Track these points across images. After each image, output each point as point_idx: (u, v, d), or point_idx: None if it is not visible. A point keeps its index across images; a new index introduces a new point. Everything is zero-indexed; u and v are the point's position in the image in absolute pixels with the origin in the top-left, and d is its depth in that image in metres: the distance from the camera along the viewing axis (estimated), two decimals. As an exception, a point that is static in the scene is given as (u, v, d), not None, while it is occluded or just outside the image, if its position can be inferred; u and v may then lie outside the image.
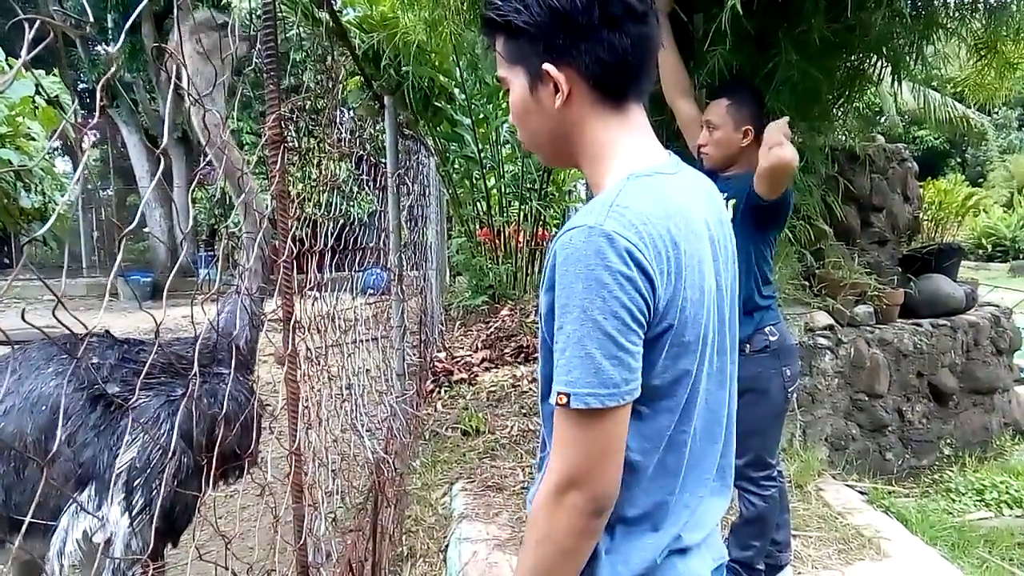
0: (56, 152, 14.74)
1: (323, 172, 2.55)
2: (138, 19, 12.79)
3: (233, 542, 1.41)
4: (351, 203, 3.14)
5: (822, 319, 4.50)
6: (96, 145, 17.11)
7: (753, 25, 2.95)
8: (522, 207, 9.21)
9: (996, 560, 3.36)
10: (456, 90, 7.87)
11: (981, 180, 22.00)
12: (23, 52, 0.76)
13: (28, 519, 1.52)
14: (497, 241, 9.01)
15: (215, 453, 1.44)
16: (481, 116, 8.42)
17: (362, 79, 5.24)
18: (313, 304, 2.16)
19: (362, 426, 2.84)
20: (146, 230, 14.53)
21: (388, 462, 2.90)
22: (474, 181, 9.12)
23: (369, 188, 3.68)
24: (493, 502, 3.55)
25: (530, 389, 5.36)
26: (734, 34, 2.72)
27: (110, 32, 13.78)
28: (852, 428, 4.55)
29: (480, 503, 3.54)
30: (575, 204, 10.23)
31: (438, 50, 6.40)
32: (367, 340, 3.40)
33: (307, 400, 2.00)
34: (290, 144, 1.96)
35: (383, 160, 3.93)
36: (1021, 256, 17.87)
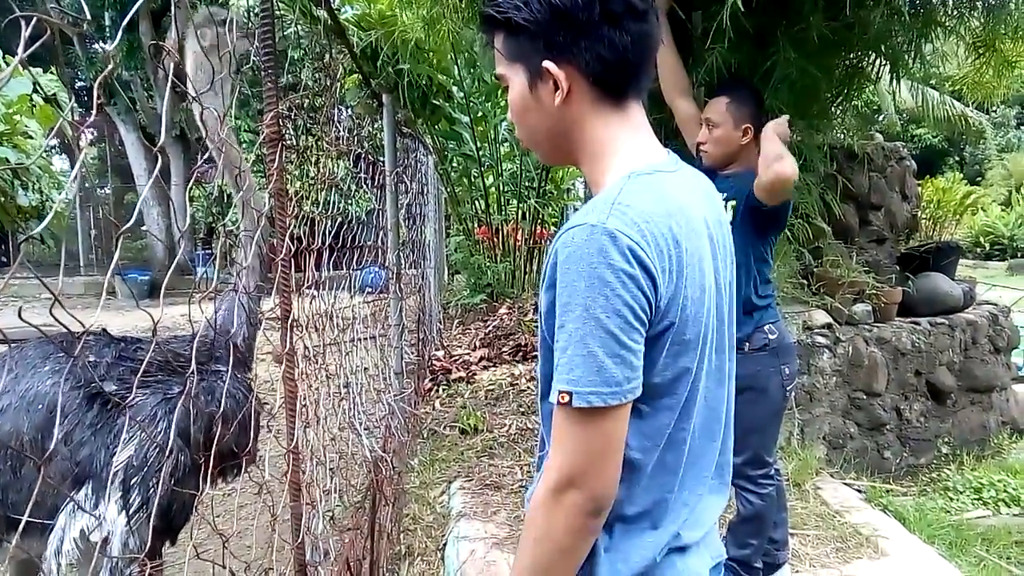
0: (53, 150, 14.72)
1: (321, 170, 2.55)
2: (135, 17, 12.77)
3: (231, 540, 1.40)
4: (349, 201, 3.13)
5: (820, 317, 4.51)
6: (94, 143, 17.10)
7: (752, 23, 2.95)
8: (520, 205, 9.21)
9: (993, 558, 3.36)
10: (454, 88, 7.86)
11: (979, 178, 22.00)
12: (20, 49, 0.76)
13: (25, 518, 1.51)
14: (495, 239, 9.01)
15: (212, 451, 1.44)
16: (479, 114, 8.41)
17: (360, 77, 5.23)
18: (311, 302, 2.16)
19: (360, 424, 2.84)
20: (144, 228, 14.51)
21: (386, 460, 2.89)
22: (472, 179, 9.11)
23: (367, 186, 3.67)
24: (491, 500, 3.56)
25: (528, 387, 5.36)
26: (733, 32, 2.72)
27: (107, 30, 13.76)
28: (850, 427, 4.55)
29: (478, 501, 3.55)
30: (573, 202, 10.23)
31: (436, 48, 6.39)
32: (365, 338, 3.40)
33: (305, 398, 2.00)
34: (288, 142, 1.96)
35: (381, 158, 3.93)
36: (1019, 254, 17.88)
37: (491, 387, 5.48)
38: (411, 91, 6.59)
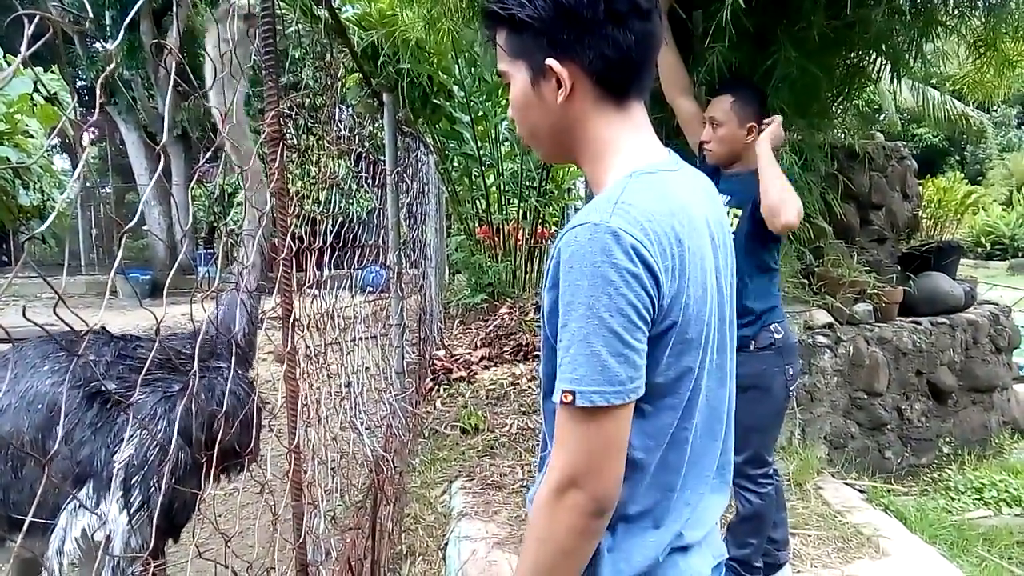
0: (55, 149, 14.72)
1: (322, 169, 2.55)
2: (136, 16, 12.77)
3: (232, 540, 1.40)
4: (350, 201, 3.13)
5: (821, 317, 4.51)
6: (95, 142, 17.08)
7: (752, 22, 2.94)
8: (521, 205, 9.21)
9: (995, 559, 3.36)
10: (455, 87, 7.86)
11: (980, 178, 21.99)
12: (22, 49, 0.76)
13: (28, 518, 1.51)
14: (496, 239, 9.01)
15: (215, 449, 1.44)
16: (480, 114, 8.41)
17: (361, 76, 5.23)
18: (312, 302, 2.16)
19: (361, 424, 2.84)
20: (145, 228, 14.51)
21: (387, 460, 2.89)
22: (473, 179, 9.12)
23: (368, 186, 3.67)
24: (492, 500, 3.56)
25: (529, 387, 5.35)
26: (733, 31, 2.72)
27: (108, 29, 13.77)
28: (851, 426, 4.55)
29: (479, 501, 3.54)
30: (574, 202, 10.23)
31: (437, 47, 6.39)
32: (366, 338, 3.40)
33: (306, 398, 2.00)
34: (289, 141, 1.95)
35: (382, 157, 3.93)
36: (1020, 254, 17.87)
37: (492, 387, 5.48)
38: (412, 90, 6.60)
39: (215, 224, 14.13)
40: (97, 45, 14.81)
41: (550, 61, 0.99)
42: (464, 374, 5.83)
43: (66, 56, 14.86)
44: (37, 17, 0.77)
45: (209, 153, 1.67)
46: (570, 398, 0.89)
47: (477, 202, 9.28)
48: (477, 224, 9.29)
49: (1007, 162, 22.15)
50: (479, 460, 4.13)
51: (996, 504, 4.17)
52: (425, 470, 4.07)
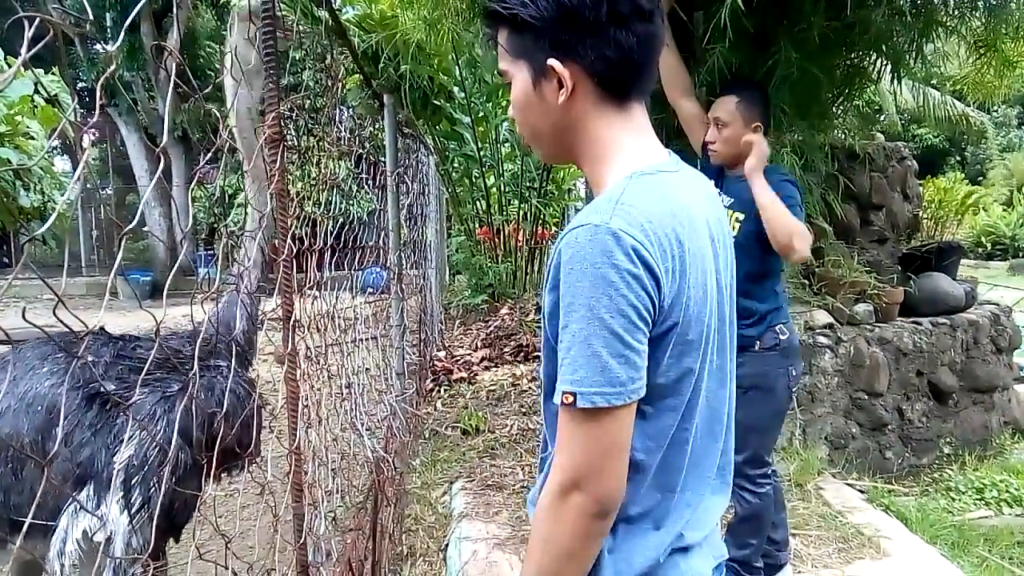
0: (55, 151, 14.71)
1: (322, 171, 2.55)
2: (137, 17, 12.77)
3: (233, 541, 1.40)
4: (351, 202, 3.14)
5: (822, 317, 4.51)
6: (95, 144, 17.08)
7: (752, 23, 2.94)
8: (522, 206, 9.20)
9: (996, 559, 3.36)
10: (455, 88, 7.86)
11: (981, 178, 21.98)
12: (22, 50, 0.76)
13: (28, 520, 1.51)
14: (497, 240, 9.01)
15: (216, 448, 1.44)
16: (480, 115, 8.41)
17: (361, 78, 5.23)
18: (313, 303, 2.16)
19: (362, 425, 2.84)
20: (145, 229, 14.53)
21: (388, 461, 2.89)
22: (473, 180, 9.11)
23: (368, 187, 3.67)
24: (493, 501, 3.55)
25: (530, 388, 5.35)
26: (733, 32, 2.72)
27: (109, 30, 13.77)
28: (852, 427, 4.55)
29: (480, 502, 3.54)
30: (575, 203, 10.23)
31: (437, 49, 6.38)
32: (367, 339, 3.40)
33: (307, 399, 2.00)
34: (289, 143, 1.96)
35: (382, 159, 3.93)
36: (1021, 254, 17.86)
37: (493, 387, 5.48)
38: (412, 92, 6.59)
39: (215, 225, 14.14)
40: (97, 47, 14.82)
41: (552, 61, 0.99)
42: (464, 375, 5.82)
43: (67, 58, 14.87)
44: (38, 19, 0.78)
45: (209, 154, 1.67)
46: (571, 399, 0.89)
47: (477, 203, 9.28)
48: (477, 225, 9.29)
49: (1007, 162, 22.14)
50: (480, 461, 4.13)
51: (997, 504, 4.17)
52: (426, 471, 4.07)
